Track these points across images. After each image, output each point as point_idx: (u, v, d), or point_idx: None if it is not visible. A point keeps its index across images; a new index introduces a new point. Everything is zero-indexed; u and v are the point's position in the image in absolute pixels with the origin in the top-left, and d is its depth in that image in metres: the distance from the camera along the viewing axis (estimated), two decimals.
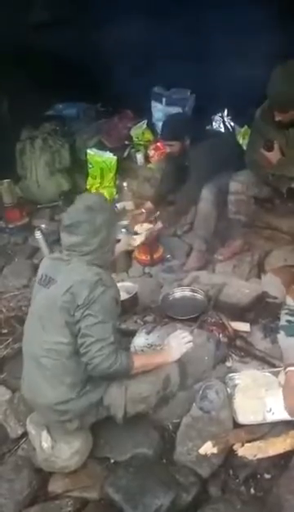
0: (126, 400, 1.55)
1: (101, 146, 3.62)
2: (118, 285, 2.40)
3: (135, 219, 2.92)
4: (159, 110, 3.69)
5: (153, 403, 1.63)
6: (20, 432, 1.78)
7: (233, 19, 3.05)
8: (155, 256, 2.76)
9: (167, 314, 2.15)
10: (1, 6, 3.22)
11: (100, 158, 3.42)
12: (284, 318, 1.75)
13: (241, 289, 2.23)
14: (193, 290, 2.27)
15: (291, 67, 2.09)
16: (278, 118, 2.17)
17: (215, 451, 1.51)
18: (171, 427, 1.71)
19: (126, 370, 1.52)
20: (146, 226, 2.81)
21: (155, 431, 1.67)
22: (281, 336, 1.72)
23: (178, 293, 2.29)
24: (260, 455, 1.51)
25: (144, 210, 2.95)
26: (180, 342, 1.70)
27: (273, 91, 2.10)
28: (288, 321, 1.72)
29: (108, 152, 3.48)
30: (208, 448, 1.51)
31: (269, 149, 2.24)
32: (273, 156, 2.25)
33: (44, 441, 1.54)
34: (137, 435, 1.63)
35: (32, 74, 3.55)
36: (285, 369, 1.63)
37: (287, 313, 1.75)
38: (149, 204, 2.98)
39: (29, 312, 1.67)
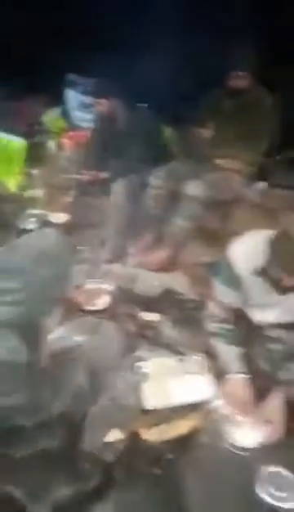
0: None
1: (9, 129, 3.40)
2: None
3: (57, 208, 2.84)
4: (74, 98, 3.61)
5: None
6: None
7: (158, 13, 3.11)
8: None
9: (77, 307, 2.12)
10: None
11: (7, 142, 3.22)
12: (216, 326, 1.74)
13: (152, 281, 2.30)
14: (103, 282, 2.27)
15: None
16: None
17: (121, 436, 1.53)
18: (78, 418, 1.69)
19: None
20: (63, 216, 2.75)
21: (60, 424, 1.63)
22: (219, 344, 1.73)
23: (89, 285, 2.27)
24: (164, 438, 1.56)
25: (69, 198, 2.87)
26: None
27: None
28: (222, 328, 1.73)
29: (16, 137, 3.29)
30: (115, 435, 1.53)
31: None
32: None
33: None
34: (40, 428, 1.57)
35: None
36: (226, 376, 1.68)
37: (218, 321, 1.74)
38: (73, 192, 2.91)
39: None
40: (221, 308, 1.73)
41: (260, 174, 2.66)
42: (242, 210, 2.47)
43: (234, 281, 1.63)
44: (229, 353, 1.70)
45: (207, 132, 2.56)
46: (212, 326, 1.76)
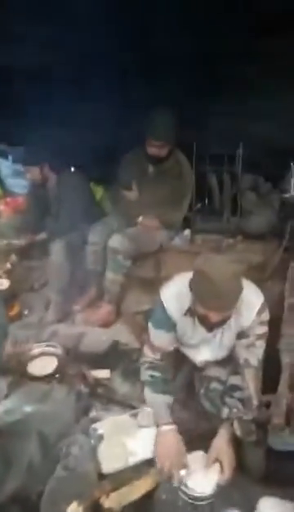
0: None
1: None
2: None
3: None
4: (6, 167, 3.71)
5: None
6: None
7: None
8: (11, 314, 2.67)
9: (25, 373, 2.07)
10: None
11: None
12: (146, 373, 1.76)
13: (98, 338, 2.31)
14: (50, 345, 2.25)
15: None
16: None
17: (80, 510, 1.47)
18: (34, 497, 1.61)
19: None
20: (4, 282, 2.73)
21: (16, 505, 1.55)
22: (147, 393, 1.75)
23: (35, 350, 2.24)
24: (125, 502, 1.52)
25: (9, 265, 2.86)
26: None
27: None
28: (151, 376, 1.75)
29: None
30: (73, 509, 1.47)
31: None
32: None
33: None
34: None
35: None
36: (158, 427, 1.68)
37: (148, 367, 1.77)
38: (13, 257, 2.90)
39: None
40: (154, 351, 1.76)
41: (184, 223, 2.85)
42: (171, 257, 2.61)
43: (166, 324, 1.70)
44: (157, 403, 1.72)
45: (131, 195, 2.68)
46: (144, 374, 1.78)
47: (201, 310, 1.52)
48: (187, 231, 2.78)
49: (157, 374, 1.75)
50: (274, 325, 1.83)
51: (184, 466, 1.56)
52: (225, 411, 1.59)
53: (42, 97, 3.34)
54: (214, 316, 1.51)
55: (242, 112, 3.17)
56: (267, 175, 3.19)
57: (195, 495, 1.47)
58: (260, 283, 1.78)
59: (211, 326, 1.59)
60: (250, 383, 1.54)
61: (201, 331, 1.66)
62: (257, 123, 3.18)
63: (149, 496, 1.53)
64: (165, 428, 1.65)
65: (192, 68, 3.19)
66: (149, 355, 1.77)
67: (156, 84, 3.17)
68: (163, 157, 2.63)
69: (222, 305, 1.48)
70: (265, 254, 2.50)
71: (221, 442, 1.56)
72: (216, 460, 1.54)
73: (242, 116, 3.18)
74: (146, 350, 1.79)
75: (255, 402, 1.49)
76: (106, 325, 2.51)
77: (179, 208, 2.73)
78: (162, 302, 1.68)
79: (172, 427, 1.65)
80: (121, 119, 3.27)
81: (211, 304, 1.47)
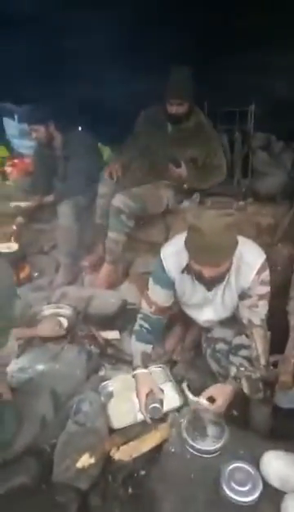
0: None
1: None
2: None
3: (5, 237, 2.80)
4: (13, 127, 3.62)
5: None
6: None
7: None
8: (22, 276, 2.70)
9: (37, 334, 2.11)
10: None
11: None
12: (138, 323, 1.82)
13: (107, 299, 2.33)
14: (60, 307, 2.28)
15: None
16: None
17: (92, 461, 1.54)
18: (48, 449, 1.69)
19: None
20: (14, 244, 2.73)
21: (31, 457, 1.62)
22: (132, 340, 1.82)
23: (46, 311, 2.27)
24: (135, 455, 1.59)
25: (15, 227, 2.84)
26: None
27: None
28: (140, 326, 1.80)
29: None
30: (85, 460, 1.54)
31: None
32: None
33: None
34: (12, 465, 1.56)
35: None
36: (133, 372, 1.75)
37: (141, 318, 1.82)
38: (19, 219, 2.88)
39: None
40: (149, 304, 1.79)
41: None
42: (180, 221, 2.54)
43: (163, 281, 1.71)
44: (135, 350, 1.78)
45: (182, 172, 2.52)
46: (136, 324, 1.82)
47: (195, 266, 1.51)
48: (196, 194, 2.71)
49: (145, 324, 1.79)
50: (284, 287, 1.82)
51: (159, 401, 1.64)
52: (233, 370, 1.61)
53: (50, 55, 3.22)
54: (208, 272, 1.49)
55: (254, 67, 3.01)
56: (279, 133, 3.07)
57: (203, 448, 1.52)
58: (270, 246, 1.74)
59: (208, 283, 1.58)
60: (257, 343, 1.55)
61: (200, 290, 1.66)
62: (270, 79, 3.03)
63: (158, 449, 1.59)
64: (136, 371, 1.74)
65: (203, 21, 3.02)
66: (144, 307, 1.81)
67: (165, 38, 3.00)
68: (182, 115, 2.52)
69: (215, 259, 1.46)
70: (276, 217, 2.44)
71: (223, 385, 1.60)
72: (211, 398, 1.58)
73: (255, 71, 3.03)
74: (143, 303, 1.83)
75: (262, 362, 1.51)
76: (110, 285, 2.51)
77: (207, 177, 2.61)
78: (161, 260, 1.69)
79: (142, 371, 1.73)
80: (128, 78, 3.14)
81: (204, 258, 1.46)
